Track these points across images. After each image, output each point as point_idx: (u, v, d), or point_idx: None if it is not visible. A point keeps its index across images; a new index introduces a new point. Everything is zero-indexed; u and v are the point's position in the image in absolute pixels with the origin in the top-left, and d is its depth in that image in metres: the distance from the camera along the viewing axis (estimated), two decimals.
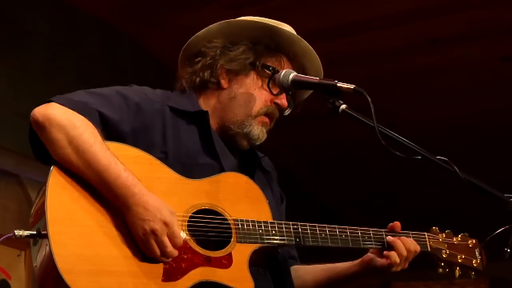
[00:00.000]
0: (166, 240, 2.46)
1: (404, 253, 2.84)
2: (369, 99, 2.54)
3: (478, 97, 7.30)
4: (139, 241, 2.46)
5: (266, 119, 2.87)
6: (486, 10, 6.15)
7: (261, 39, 2.90)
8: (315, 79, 2.74)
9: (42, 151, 2.56)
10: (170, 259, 2.48)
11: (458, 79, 7.04)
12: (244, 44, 2.88)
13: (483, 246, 3.00)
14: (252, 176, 2.84)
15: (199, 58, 2.90)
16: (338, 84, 2.65)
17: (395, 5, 6.13)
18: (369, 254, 2.91)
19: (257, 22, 2.91)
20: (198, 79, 2.89)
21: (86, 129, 2.51)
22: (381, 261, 2.86)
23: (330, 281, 2.98)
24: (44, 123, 2.51)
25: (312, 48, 2.95)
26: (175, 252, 2.48)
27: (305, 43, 2.93)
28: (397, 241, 2.85)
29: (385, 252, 2.85)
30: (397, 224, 2.91)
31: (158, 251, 2.45)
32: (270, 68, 2.87)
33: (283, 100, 2.87)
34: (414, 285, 8.98)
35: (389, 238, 2.87)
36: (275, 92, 2.86)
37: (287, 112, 2.95)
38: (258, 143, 2.87)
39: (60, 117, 2.51)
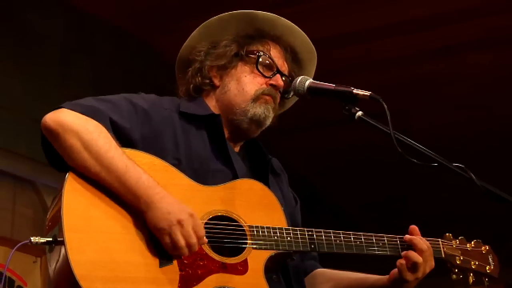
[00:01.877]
0: (191, 231, 2.46)
1: (425, 246, 2.78)
2: (385, 105, 2.54)
3: (493, 103, 7.28)
4: (164, 234, 2.44)
5: (268, 97, 2.86)
6: (500, 17, 6.14)
7: (242, 30, 2.92)
8: (331, 85, 2.74)
9: (56, 157, 2.55)
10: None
11: (473, 86, 7.02)
12: (226, 39, 2.90)
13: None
14: (266, 181, 2.84)
15: (189, 68, 2.93)
16: (354, 91, 2.65)
17: (409, 12, 6.13)
18: (395, 269, 2.83)
19: (231, 14, 2.93)
20: (191, 86, 2.91)
21: (100, 134, 2.51)
22: (401, 267, 2.77)
23: None
24: (57, 130, 2.50)
25: (293, 24, 2.96)
26: (198, 246, 2.48)
27: (284, 20, 2.95)
28: (415, 238, 2.81)
29: (403, 253, 2.79)
30: (415, 228, 2.86)
31: (183, 242, 2.44)
32: (255, 52, 2.89)
33: (278, 81, 2.87)
34: None
35: (407, 236, 2.82)
36: (267, 74, 2.87)
37: (288, 95, 2.94)
38: (267, 122, 2.87)
39: (73, 122, 2.50)
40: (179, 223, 2.45)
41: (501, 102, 7.24)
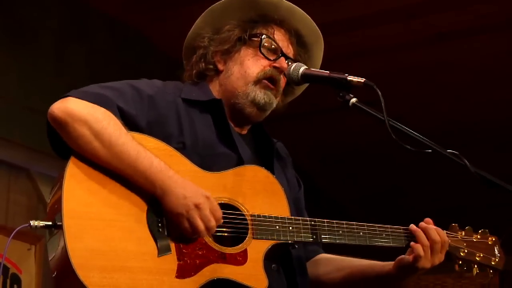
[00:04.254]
0: (209, 214, 2.47)
1: (426, 242, 2.77)
2: (379, 92, 2.55)
3: (488, 91, 7.28)
4: (182, 219, 2.46)
5: (268, 83, 2.84)
6: (494, 4, 6.13)
7: (245, 14, 2.91)
8: (325, 72, 2.74)
9: (60, 145, 2.54)
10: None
11: (468, 73, 7.02)
12: (229, 24, 2.90)
13: (503, 241, 2.97)
14: (271, 165, 2.84)
15: (194, 54, 2.93)
16: (348, 78, 2.65)
17: None
18: (400, 256, 2.84)
19: None
20: (194, 71, 2.90)
21: (110, 122, 2.50)
22: (407, 257, 2.79)
23: (365, 282, 2.93)
24: (65, 119, 2.48)
25: (296, 7, 2.94)
26: (215, 227, 2.50)
27: (286, 3, 2.93)
28: (419, 230, 2.80)
29: (411, 244, 2.78)
30: (428, 221, 2.85)
31: (202, 226, 2.46)
32: (258, 35, 2.87)
33: (282, 63, 2.85)
34: (424, 278, 8.98)
35: (412, 226, 2.82)
36: (271, 57, 2.86)
37: (294, 77, 2.88)
38: (268, 108, 2.86)
39: (82, 111, 2.48)
40: (197, 207, 2.46)
41: (496, 89, 7.24)
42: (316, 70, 2.81)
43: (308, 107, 6.68)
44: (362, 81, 2.63)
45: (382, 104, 2.54)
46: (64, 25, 5.92)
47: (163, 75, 3.03)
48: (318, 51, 3.04)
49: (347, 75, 2.66)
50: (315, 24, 2.99)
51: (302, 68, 2.79)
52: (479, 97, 7.38)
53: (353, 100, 2.63)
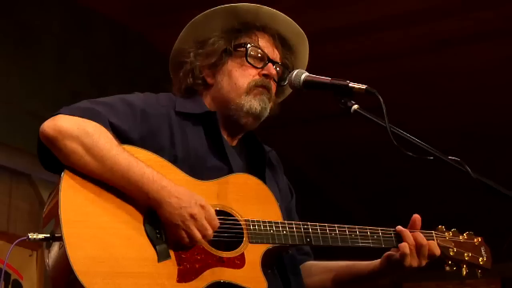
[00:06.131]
0: (206, 223, 2.49)
1: (412, 241, 2.79)
2: (381, 99, 2.55)
3: (488, 96, 7.29)
4: (179, 230, 2.47)
5: (262, 88, 2.85)
6: (494, 10, 6.15)
7: (227, 24, 2.91)
8: (327, 79, 2.74)
9: (51, 161, 2.54)
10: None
11: (468, 79, 7.03)
12: (213, 36, 2.89)
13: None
14: (262, 175, 2.84)
15: (181, 69, 2.92)
16: (350, 85, 2.66)
17: (403, 6, 6.13)
18: (388, 252, 2.87)
19: (214, 10, 2.92)
20: (183, 86, 2.90)
21: (100, 135, 2.51)
22: (395, 254, 2.82)
23: (352, 280, 2.96)
24: (56, 136, 2.48)
25: (276, 11, 2.95)
26: (212, 235, 2.51)
27: (266, 8, 2.93)
28: (404, 230, 2.83)
29: (399, 244, 2.81)
30: (416, 218, 2.88)
31: (199, 235, 2.48)
32: (243, 45, 2.87)
33: (270, 70, 2.86)
34: (425, 285, 8.96)
35: (399, 227, 2.84)
36: (258, 65, 2.86)
37: (284, 82, 2.91)
38: (264, 114, 2.86)
39: (72, 127, 2.49)
40: (192, 217, 2.48)
41: (495, 95, 7.25)
42: (318, 76, 2.79)
43: (307, 114, 6.71)
44: (364, 87, 2.64)
45: (384, 111, 2.54)
46: (66, 29, 5.93)
47: (164, 79, 3.03)
48: (304, 51, 3.04)
49: (348, 81, 2.67)
50: (297, 25, 2.98)
51: (304, 75, 2.79)
52: (480, 102, 7.39)
53: (355, 106, 2.64)
